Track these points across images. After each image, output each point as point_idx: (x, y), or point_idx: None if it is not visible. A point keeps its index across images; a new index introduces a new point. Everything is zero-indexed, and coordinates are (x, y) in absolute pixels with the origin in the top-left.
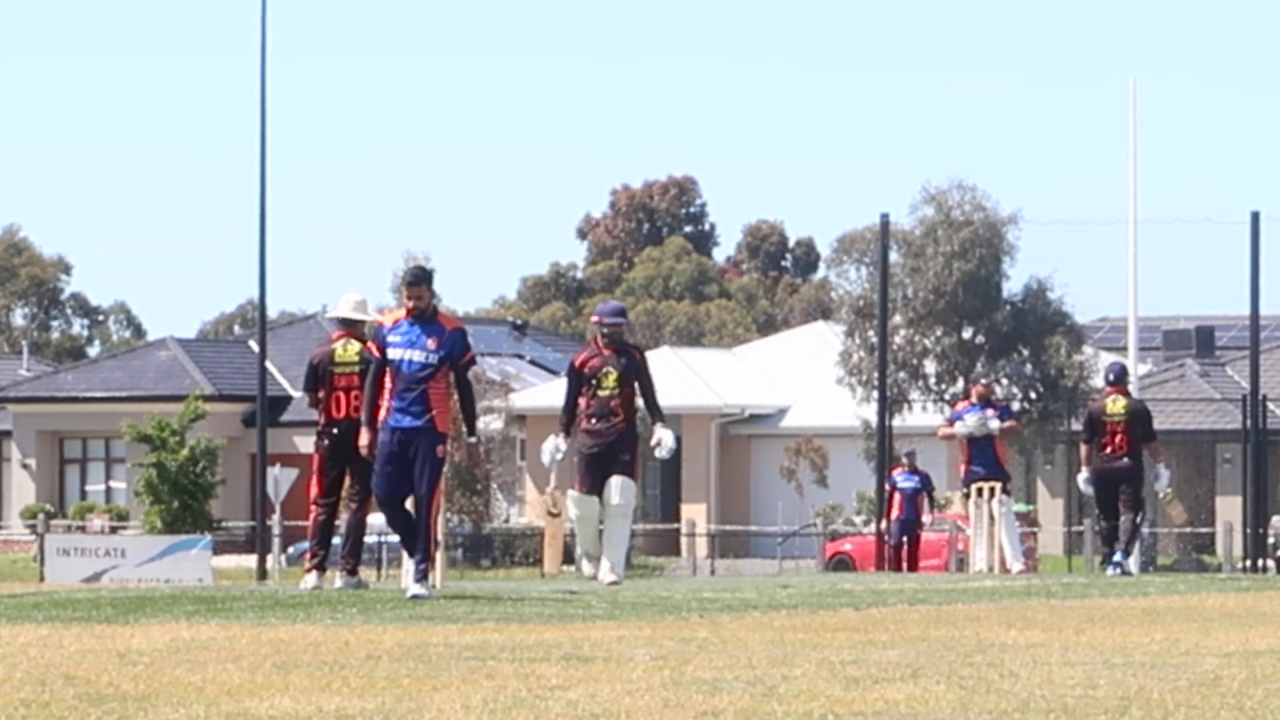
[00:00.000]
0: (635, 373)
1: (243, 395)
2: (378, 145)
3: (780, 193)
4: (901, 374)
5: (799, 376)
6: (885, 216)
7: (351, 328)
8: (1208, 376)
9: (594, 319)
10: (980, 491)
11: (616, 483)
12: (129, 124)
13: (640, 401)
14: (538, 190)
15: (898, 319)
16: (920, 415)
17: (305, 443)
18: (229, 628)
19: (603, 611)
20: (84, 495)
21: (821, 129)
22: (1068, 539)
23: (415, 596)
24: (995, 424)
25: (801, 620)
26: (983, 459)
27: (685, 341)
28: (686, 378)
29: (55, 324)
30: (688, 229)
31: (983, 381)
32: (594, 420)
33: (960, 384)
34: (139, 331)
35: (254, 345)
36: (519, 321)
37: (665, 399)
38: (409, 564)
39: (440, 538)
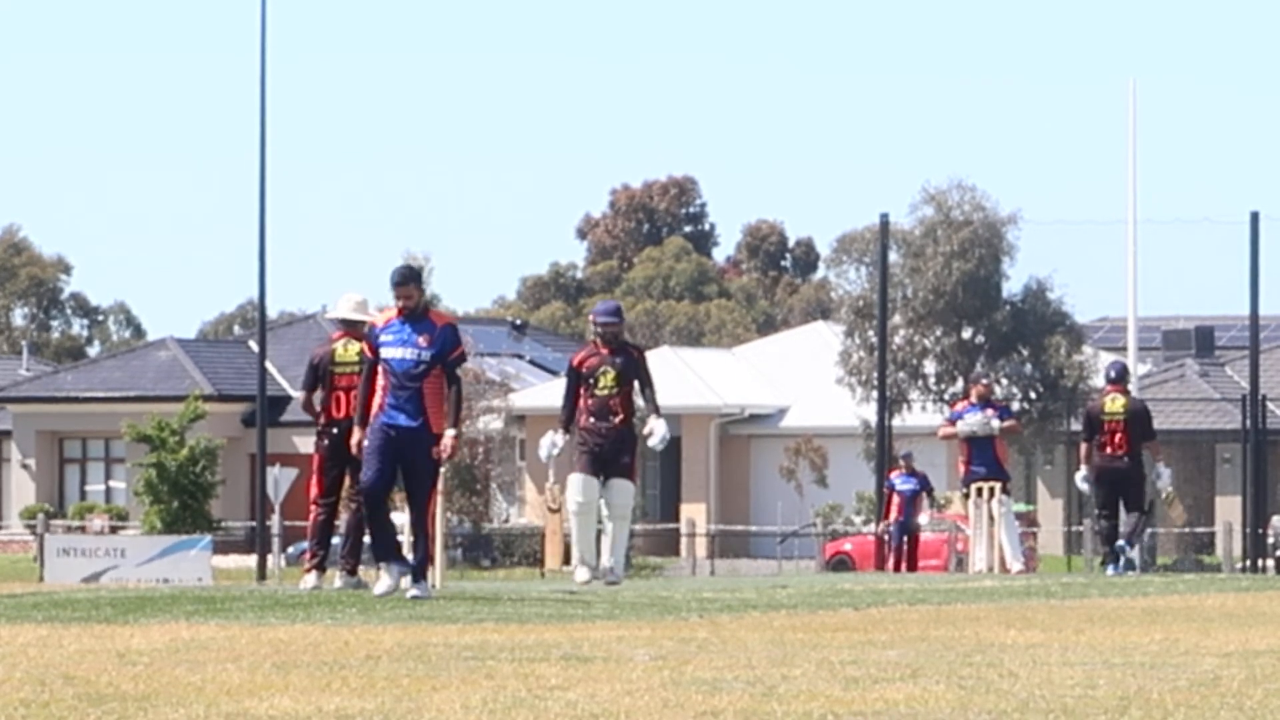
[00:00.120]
0: (634, 371)
1: (242, 395)
2: (378, 145)
3: (780, 193)
4: (901, 374)
5: (799, 376)
6: (885, 216)
7: (352, 328)
8: (1207, 376)
9: (590, 319)
10: (980, 491)
11: (616, 485)
12: (129, 124)
13: (640, 400)
14: (538, 190)
15: (897, 319)
16: (920, 415)
17: (305, 443)
18: (229, 628)
19: (603, 611)
20: (84, 495)
21: (821, 129)
22: (1067, 539)
23: (415, 597)
24: (996, 423)
25: (801, 620)
26: (983, 459)
27: (685, 341)
28: (686, 378)
29: (55, 324)
30: (687, 229)
31: (983, 381)
32: (593, 419)
33: (960, 384)
34: (139, 331)
35: (254, 345)
36: (518, 321)
37: (665, 399)
38: (384, 573)
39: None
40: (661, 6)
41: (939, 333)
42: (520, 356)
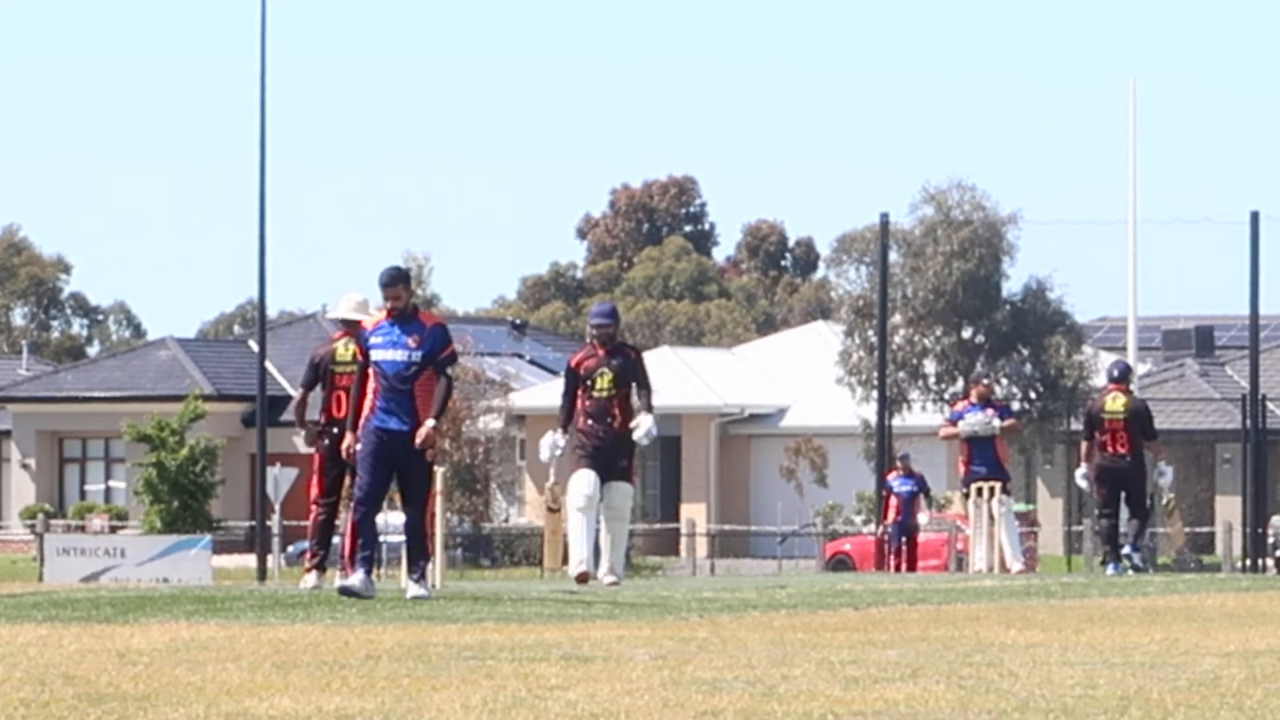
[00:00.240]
0: (631, 373)
1: (242, 395)
2: (378, 145)
3: (780, 193)
4: (901, 374)
5: (799, 376)
6: (885, 216)
7: (352, 328)
8: (1207, 376)
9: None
10: (980, 491)
11: (614, 487)
12: (129, 124)
13: (636, 401)
14: (538, 190)
15: (897, 319)
16: (920, 415)
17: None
18: (229, 627)
19: (602, 611)
20: (84, 495)
21: (821, 129)
22: (1067, 539)
23: (415, 597)
24: (997, 423)
25: (801, 620)
26: (983, 458)
27: (685, 341)
28: (686, 377)
29: (55, 324)
30: (687, 229)
31: (983, 381)
32: (590, 421)
33: (960, 384)
34: (139, 331)
35: (254, 345)
36: (518, 321)
37: (665, 399)
38: (359, 570)
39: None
40: (661, 6)
41: (939, 332)
42: (520, 356)
